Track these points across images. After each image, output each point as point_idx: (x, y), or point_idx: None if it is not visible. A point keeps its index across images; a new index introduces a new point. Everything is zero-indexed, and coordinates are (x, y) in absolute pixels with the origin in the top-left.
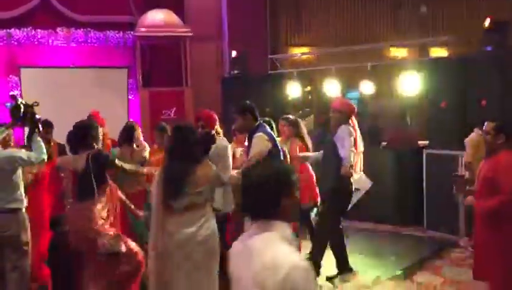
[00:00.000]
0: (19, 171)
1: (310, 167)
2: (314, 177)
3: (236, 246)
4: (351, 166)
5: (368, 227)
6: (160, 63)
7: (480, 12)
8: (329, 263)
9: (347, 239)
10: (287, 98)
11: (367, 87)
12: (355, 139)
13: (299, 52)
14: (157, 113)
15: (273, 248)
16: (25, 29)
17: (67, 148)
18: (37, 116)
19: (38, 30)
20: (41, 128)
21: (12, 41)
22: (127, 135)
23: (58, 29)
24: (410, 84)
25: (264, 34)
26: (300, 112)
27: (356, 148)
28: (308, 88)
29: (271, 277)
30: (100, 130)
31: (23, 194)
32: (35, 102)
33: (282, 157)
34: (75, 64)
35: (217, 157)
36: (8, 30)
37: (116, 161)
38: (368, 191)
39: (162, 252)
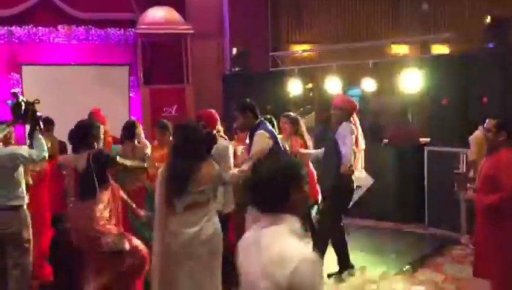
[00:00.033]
0: (21, 169)
1: (311, 164)
2: (315, 174)
3: (245, 239)
4: (351, 165)
5: (369, 224)
6: (161, 60)
7: (481, 9)
8: (330, 260)
9: (348, 236)
10: (288, 95)
11: (368, 85)
12: (356, 137)
13: (300, 49)
14: (158, 111)
15: (281, 242)
16: (26, 27)
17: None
18: (38, 114)
19: (39, 27)
20: (42, 126)
21: (14, 39)
22: (129, 132)
23: (59, 26)
24: (412, 82)
25: (265, 31)
26: (302, 109)
27: (357, 146)
28: (310, 85)
29: (279, 270)
30: (101, 128)
31: (25, 192)
32: (37, 99)
33: None
34: (76, 61)
35: (218, 157)
36: (9, 28)
37: (118, 158)
38: (369, 189)
39: (166, 251)
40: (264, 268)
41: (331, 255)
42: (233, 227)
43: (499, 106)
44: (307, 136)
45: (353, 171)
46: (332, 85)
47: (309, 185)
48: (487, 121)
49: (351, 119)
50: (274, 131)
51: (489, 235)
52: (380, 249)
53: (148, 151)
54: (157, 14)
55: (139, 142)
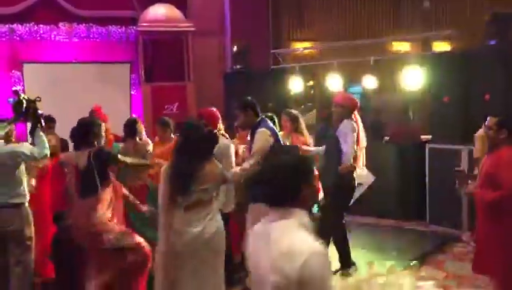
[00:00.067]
0: (22, 167)
1: None
2: (316, 172)
3: (254, 232)
4: (351, 165)
5: (371, 222)
6: (163, 58)
7: (483, 6)
8: (332, 258)
9: (349, 234)
10: (289, 92)
11: (369, 82)
12: (358, 134)
13: (301, 46)
14: (160, 108)
15: (291, 235)
16: (27, 25)
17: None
18: (40, 112)
19: (41, 25)
20: (43, 124)
21: (15, 37)
22: (130, 129)
23: (61, 24)
24: (413, 79)
25: (266, 28)
26: (303, 106)
27: (359, 143)
28: (311, 83)
29: (289, 264)
30: (103, 125)
31: (26, 189)
32: (38, 97)
33: None
34: (77, 59)
35: (220, 156)
36: (11, 25)
37: (119, 156)
38: (371, 186)
39: (169, 250)
40: (274, 262)
41: (332, 252)
42: (234, 227)
43: (500, 104)
44: (306, 134)
45: (355, 168)
46: (334, 82)
47: None
48: (488, 118)
49: (353, 116)
50: (275, 129)
51: (490, 232)
52: (381, 246)
53: (150, 148)
54: (158, 11)
55: (140, 140)
